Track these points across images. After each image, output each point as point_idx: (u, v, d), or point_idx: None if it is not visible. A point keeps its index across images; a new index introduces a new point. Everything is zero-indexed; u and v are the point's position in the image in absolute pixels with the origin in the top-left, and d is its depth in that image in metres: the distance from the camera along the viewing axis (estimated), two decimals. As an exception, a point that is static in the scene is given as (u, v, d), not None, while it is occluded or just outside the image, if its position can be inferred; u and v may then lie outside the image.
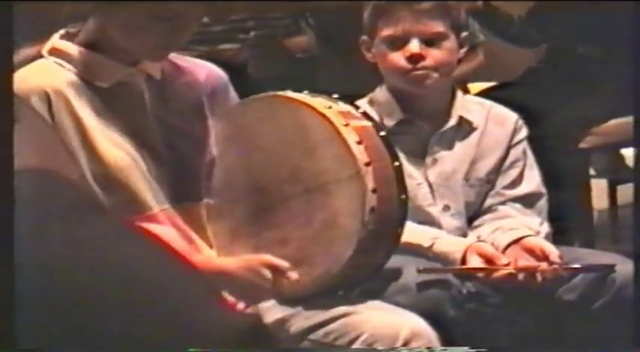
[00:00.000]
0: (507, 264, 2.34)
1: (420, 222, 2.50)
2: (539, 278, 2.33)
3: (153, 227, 2.04)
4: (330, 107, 2.09)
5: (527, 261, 2.36)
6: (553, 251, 2.37)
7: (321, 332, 2.07)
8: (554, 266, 2.34)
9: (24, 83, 1.99)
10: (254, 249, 2.11)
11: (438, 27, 2.51)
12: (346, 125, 2.06)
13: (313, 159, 2.07)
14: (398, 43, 2.51)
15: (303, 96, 2.12)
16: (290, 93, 2.14)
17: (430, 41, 2.50)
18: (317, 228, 2.06)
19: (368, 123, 2.12)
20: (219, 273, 2.05)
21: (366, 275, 2.16)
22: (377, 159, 2.06)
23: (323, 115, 2.08)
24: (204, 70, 2.24)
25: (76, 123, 2.04)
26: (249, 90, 2.24)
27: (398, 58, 2.51)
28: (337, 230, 2.06)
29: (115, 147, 2.06)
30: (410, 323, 2.08)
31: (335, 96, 2.15)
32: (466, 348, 2.10)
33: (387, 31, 2.52)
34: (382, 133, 2.11)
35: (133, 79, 2.12)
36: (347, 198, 2.04)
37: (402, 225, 2.13)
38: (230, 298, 2.13)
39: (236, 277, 2.05)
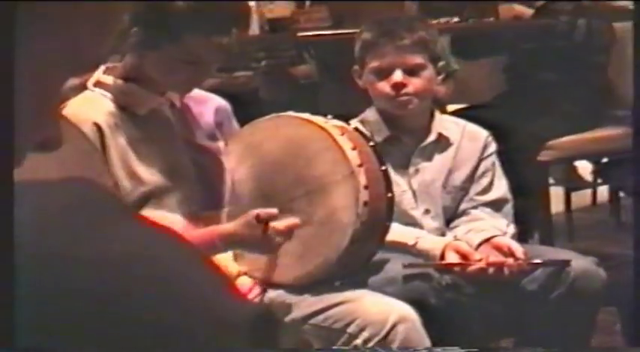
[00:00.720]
0: (480, 260, 2.32)
1: (405, 224, 2.47)
2: (506, 271, 2.31)
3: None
4: (326, 122, 2.10)
5: (496, 257, 2.34)
6: (518, 248, 2.35)
7: (320, 317, 2.05)
8: (519, 261, 2.32)
9: (76, 112, 1.96)
10: None
11: (418, 59, 2.49)
12: (342, 134, 2.06)
13: (313, 165, 2.06)
14: (384, 73, 2.49)
15: (304, 115, 2.12)
16: (292, 113, 2.14)
17: (411, 71, 2.48)
18: (317, 223, 2.05)
19: (359, 135, 2.11)
20: (224, 238, 1.99)
21: (360, 264, 2.15)
22: (368, 162, 2.07)
23: (322, 128, 2.07)
24: (213, 102, 2.23)
25: (118, 149, 2.02)
26: (260, 111, 2.23)
27: (384, 86, 2.49)
28: (335, 223, 2.05)
29: (150, 167, 2.04)
30: (397, 309, 2.06)
31: (329, 116, 2.15)
32: (457, 348, 2.08)
33: (374, 63, 2.50)
34: (371, 143, 2.11)
35: (162, 106, 2.11)
36: (343, 195, 2.03)
37: (389, 219, 2.11)
38: (242, 287, 2.12)
39: (238, 235, 1.99)
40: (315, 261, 2.07)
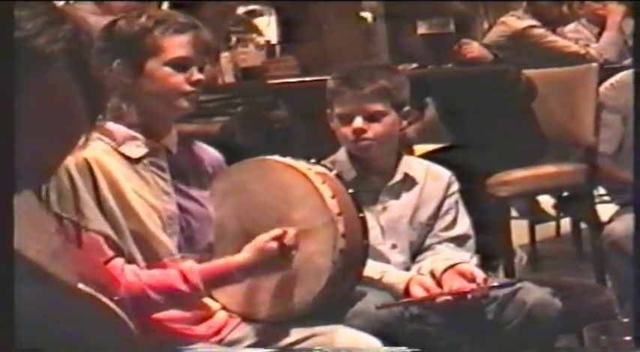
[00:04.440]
0: (443, 292, 2.37)
1: (373, 258, 2.50)
2: (469, 297, 2.36)
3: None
4: (310, 168, 2.12)
5: (460, 283, 2.37)
6: (480, 274, 2.39)
7: (295, 348, 2.08)
8: (481, 286, 2.36)
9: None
10: (242, 284, 2.11)
11: (378, 107, 2.54)
12: (323, 183, 2.09)
13: (295, 209, 2.08)
14: (346, 119, 2.55)
15: (288, 160, 2.15)
16: (277, 158, 2.16)
17: (371, 117, 2.53)
18: (295, 266, 2.06)
19: (339, 182, 2.14)
20: (242, 267, 1.99)
21: (334, 305, 2.17)
22: (346, 210, 2.09)
23: (304, 175, 2.10)
24: (207, 152, 2.27)
25: (112, 185, 2.03)
26: (238, 155, 2.26)
27: (347, 131, 2.55)
28: (311, 267, 2.07)
29: (141, 209, 2.05)
30: (366, 343, 2.08)
31: (312, 160, 2.18)
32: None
33: (337, 110, 2.56)
34: (350, 191, 2.14)
35: (156, 152, 2.13)
36: (321, 242, 2.06)
37: (363, 264, 2.14)
38: (218, 321, 2.14)
39: (254, 262, 1.99)
40: (290, 301, 2.10)
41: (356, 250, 2.09)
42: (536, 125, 3.75)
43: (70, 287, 0.78)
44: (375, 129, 2.54)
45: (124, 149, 2.08)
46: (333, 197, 2.07)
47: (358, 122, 2.53)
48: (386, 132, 2.55)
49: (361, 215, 2.12)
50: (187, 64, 2.10)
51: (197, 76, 2.10)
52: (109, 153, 2.05)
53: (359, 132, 2.53)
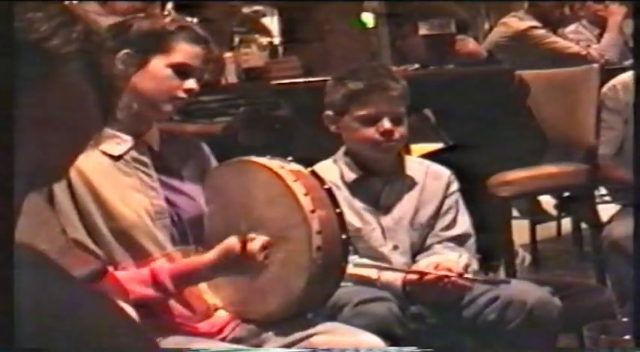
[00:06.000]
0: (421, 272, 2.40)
1: (374, 259, 2.51)
2: (449, 286, 2.37)
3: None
4: (283, 167, 2.11)
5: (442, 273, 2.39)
6: (461, 264, 2.42)
7: (294, 349, 2.07)
8: (462, 275, 2.39)
9: None
10: (234, 283, 2.12)
11: (403, 108, 2.56)
12: (295, 180, 2.08)
13: (270, 209, 2.08)
14: (370, 121, 2.53)
15: (263, 160, 2.14)
16: (253, 158, 2.15)
17: (397, 119, 2.54)
18: (278, 264, 2.06)
19: (314, 179, 2.13)
20: (209, 266, 2.02)
21: (321, 302, 2.17)
22: (321, 207, 2.07)
23: (277, 174, 2.09)
24: (195, 148, 2.26)
25: (92, 190, 2.03)
26: (240, 155, 2.23)
27: (372, 133, 2.54)
28: (292, 266, 2.06)
29: (125, 207, 2.06)
30: (367, 340, 2.08)
31: (289, 158, 2.17)
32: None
33: (361, 112, 2.54)
34: (326, 186, 2.12)
35: (139, 148, 2.13)
36: (298, 240, 2.05)
37: (345, 260, 2.13)
38: (219, 320, 2.15)
39: (220, 262, 2.02)
40: (277, 300, 2.10)
41: (334, 246, 2.07)
42: (536, 125, 3.74)
43: (77, 286, 0.78)
44: (399, 130, 2.55)
45: (104, 147, 2.08)
46: (306, 194, 2.06)
47: (387, 124, 2.53)
48: (406, 135, 2.57)
49: (338, 210, 2.10)
50: (188, 72, 2.11)
51: (193, 85, 2.12)
52: (88, 154, 2.04)
53: (389, 134, 2.53)
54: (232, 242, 2.01)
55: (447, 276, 2.38)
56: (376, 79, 2.55)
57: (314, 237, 2.03)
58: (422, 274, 2.41)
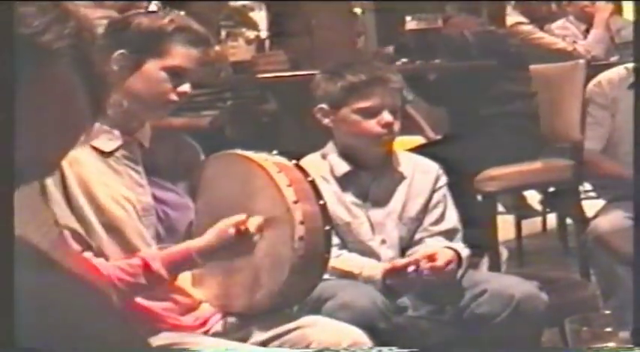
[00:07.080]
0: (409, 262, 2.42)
1: (362, 253, 2.52)
2: (425, 272, 2.39)
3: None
4: (266, 159, 2.11)
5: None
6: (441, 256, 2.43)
7: (276, 342, 2.08)
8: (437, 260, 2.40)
9: None
10: (217, 277, 2.13)
11: (399, 101, 2.58)
12: (279, 172, 2.08)
13: (256, 201, 2.08)
14: (371, 114, 2.53)
15: (248, 153, 2.14)
16: (238, 151, 2.16)
17: (395, 112, 2.55)
18: (260, 257, 2.07)
19: (298, 172, 2.13)
20: (202, 251, 2.00)
21: (304, 294, 2.17)
22: (304, 198, 2.07)
23: (261, 165, 2.09)
24: (184, 144, 2.25)
25: (83, 184, 2.03)
26: (227, 148, 2.23)
27: (372, 125, 2.53)
28: (275, 257, 2.07)
29: (114, 202, 2.06)
30: (350, 334, 2.09)
31: (274, 152, 2.17)
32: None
33: (361, 104, 2.53)
34: (310, 178, 2.12)
35: (129, 145, 2.12)
36: (281, 230, 2.05)
37: (328, 251, 2.13)
38: (204, 313, 2.14)
39: (214, 245, 2.00)
40: (259, 291, 2.10)
41: (317, 237, 2.07)
42: (525, 121, 3.75)
43: (72, 278, 0.79)
44: (397, 123, 2.56)
45: (96, 142, 2.08)
46: (290, 185, 2.06)
47: (388, 116, 2.53)
48: (399, 127, 2.57)
49: (321, 202, 2.10)
50: (183, 75, 2.11)
51: (186, 88, 2.11)
52: (81, 149, 2.04)
53: (389, 126, 2.53)
54: (226, 224, 2.00)
55: (416, 261, 2.38)
56: (377, 71, 2.56)
57: (297, 227, 2.03)
58: (398, 266, 2.42)
